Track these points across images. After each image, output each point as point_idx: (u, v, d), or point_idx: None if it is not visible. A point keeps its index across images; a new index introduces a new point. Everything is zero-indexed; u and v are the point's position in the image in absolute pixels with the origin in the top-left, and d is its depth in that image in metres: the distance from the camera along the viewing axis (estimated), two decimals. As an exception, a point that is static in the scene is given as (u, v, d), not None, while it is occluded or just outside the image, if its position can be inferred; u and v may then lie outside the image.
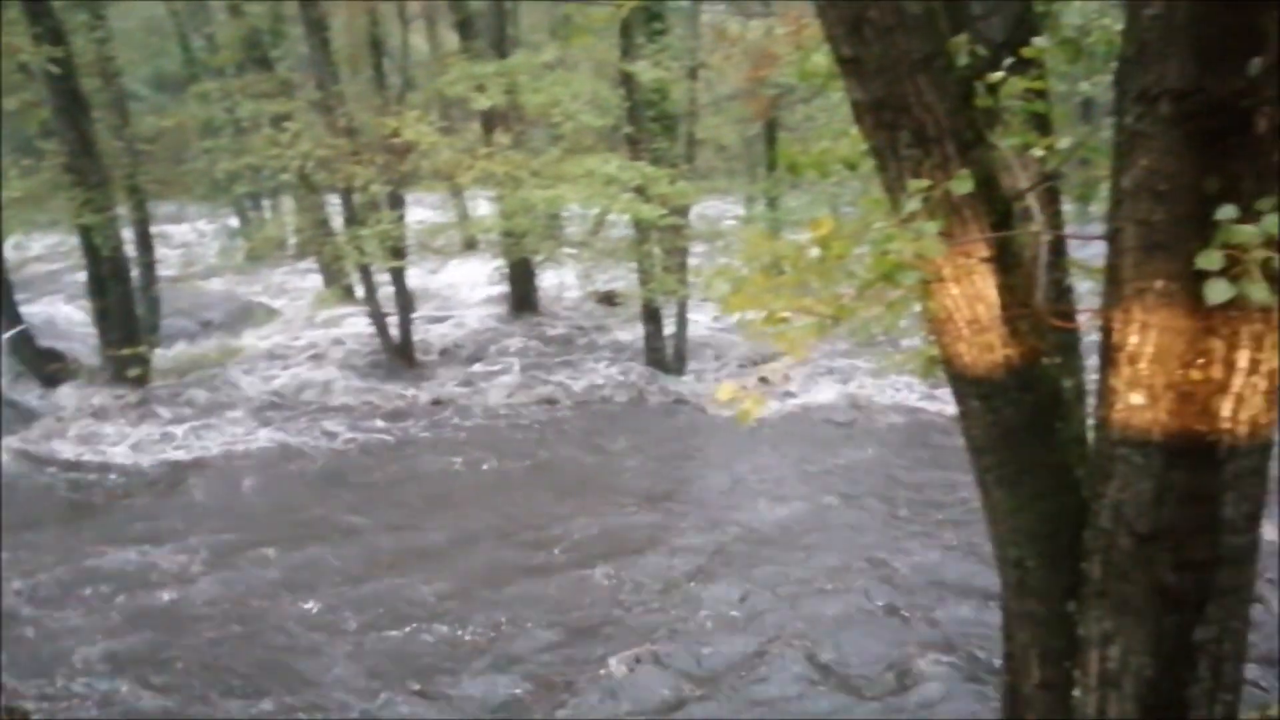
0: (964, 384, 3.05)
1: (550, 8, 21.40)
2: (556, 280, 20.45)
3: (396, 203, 15.60)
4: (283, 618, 8.27)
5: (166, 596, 8.64)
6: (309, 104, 15.37)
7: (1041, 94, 3.51)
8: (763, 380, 2.65)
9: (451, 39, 20.80)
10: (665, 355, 17.06)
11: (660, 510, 10.69)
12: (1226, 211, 1.95)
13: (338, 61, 16.63)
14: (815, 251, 2.47)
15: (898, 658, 7.61)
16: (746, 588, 8.79)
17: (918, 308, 2.77)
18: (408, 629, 8.11)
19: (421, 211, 21.21)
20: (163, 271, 18.69)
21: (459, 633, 8.05)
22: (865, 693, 7.21)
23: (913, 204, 2.49)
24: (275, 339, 18.20)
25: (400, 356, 16.54)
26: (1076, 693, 2.87)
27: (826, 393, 15.70)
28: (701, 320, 17.91)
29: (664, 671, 7.44)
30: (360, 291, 17.34)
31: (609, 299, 20.37)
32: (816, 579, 8.97)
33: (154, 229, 17.81)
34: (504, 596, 8.61)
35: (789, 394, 15.73)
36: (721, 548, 9.67)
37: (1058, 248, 4.02)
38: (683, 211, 15.91)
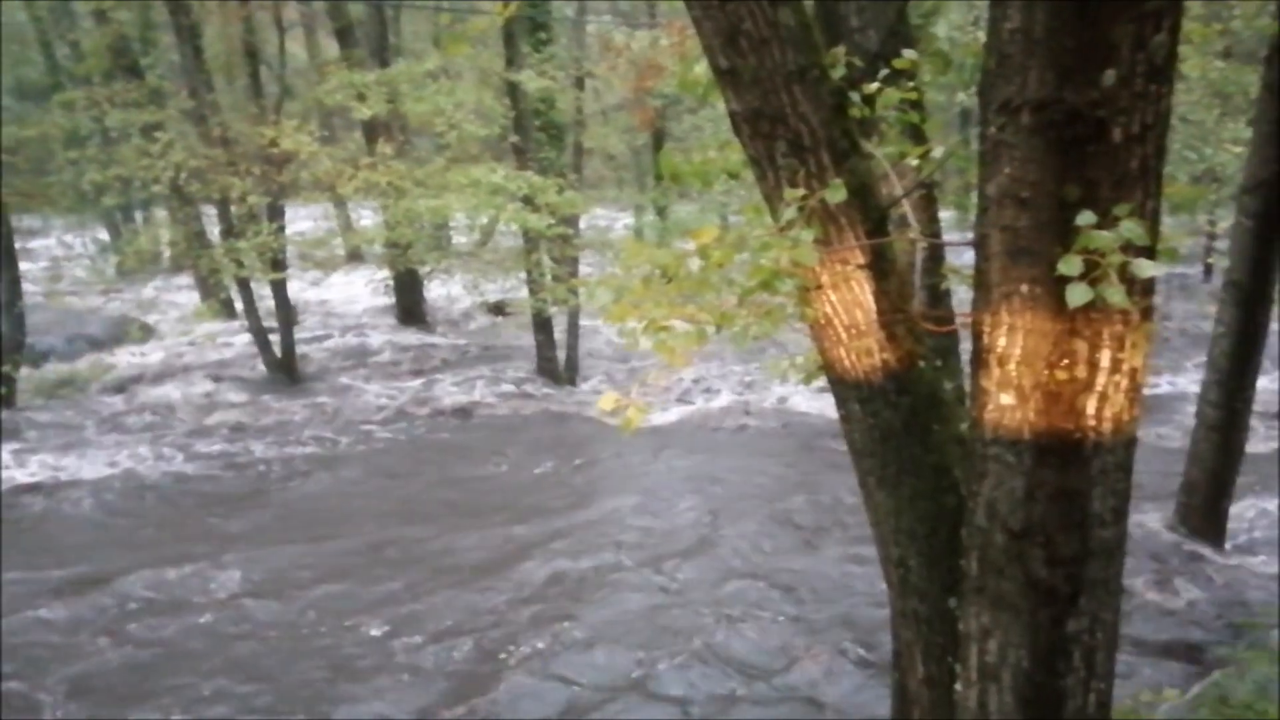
0: (844, 388, 3.11)
1: (434, 16, 21.19)
2: (444, 291, 20.23)
3: (275, 214, 15.24)
4: (145, 641, 7.98)
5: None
6: (181, 113, 14.91)
7: (916, 105, 3.60)
8: (643, 389, 2.65)
9: (331, 47, 20.45)
10: (557, 365, 17.02)
11: (551, 522, 10.64)
12: (1085, 218, 2.02)
13: (212, 69, 16.19)
14: (695, 260, 2.48)
15: (791, 658, 7.71)
16: (639, 595, 8.81)
17: (796, 314, 2.80)
18: (291, 650, 7.90)
19: (303, 223, 20.75)
20: (28, 288, 17.87)
21: (342, 655, 7.87)
22: (759, 693, 7.29)
23: (789, 213, 2.52)
24: (150, 356, 17.58)
25: (282, 371, 16.14)
26: (959, 687, 2.93)
27: (721, 399, 15.87)
28: (600, 328, 17.93)
29: (554, 684, 7.39)
30: (240, 305, 16.87)
31: (498, 309, 20.25)
32: (709, 584, 9.04)
33: (17, 243, 17.02)
34: (385, 618, 8.44)
35: (684, 400, 15.90)
36: (614, 556, 9.68)
37: (935, 254, 4.14)
38: (572, 221, 15.93)
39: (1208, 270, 21.83)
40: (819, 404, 13.76)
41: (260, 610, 8.51)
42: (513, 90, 15.32)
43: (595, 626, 8.22)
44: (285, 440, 13.47)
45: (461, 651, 7.84)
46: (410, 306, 19.87)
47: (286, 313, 16.15)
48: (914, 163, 3.31)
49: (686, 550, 9.79)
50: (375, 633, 8.15)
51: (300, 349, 16.84)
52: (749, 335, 2.46)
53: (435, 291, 20.50)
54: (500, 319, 20.15)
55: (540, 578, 9.14)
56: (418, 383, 16.38)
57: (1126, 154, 2.05)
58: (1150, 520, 10.38)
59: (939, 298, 4.29)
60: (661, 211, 22.69)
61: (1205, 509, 10.17)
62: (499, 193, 13.03)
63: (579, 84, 17.71)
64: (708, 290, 2.54)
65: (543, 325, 16.73)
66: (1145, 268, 2.01)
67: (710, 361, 17.15)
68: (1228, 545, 10.19)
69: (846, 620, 8.19)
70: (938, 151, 3.28)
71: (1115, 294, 2.00)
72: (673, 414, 15.28)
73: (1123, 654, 7.31)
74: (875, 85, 3.11)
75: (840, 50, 3.33)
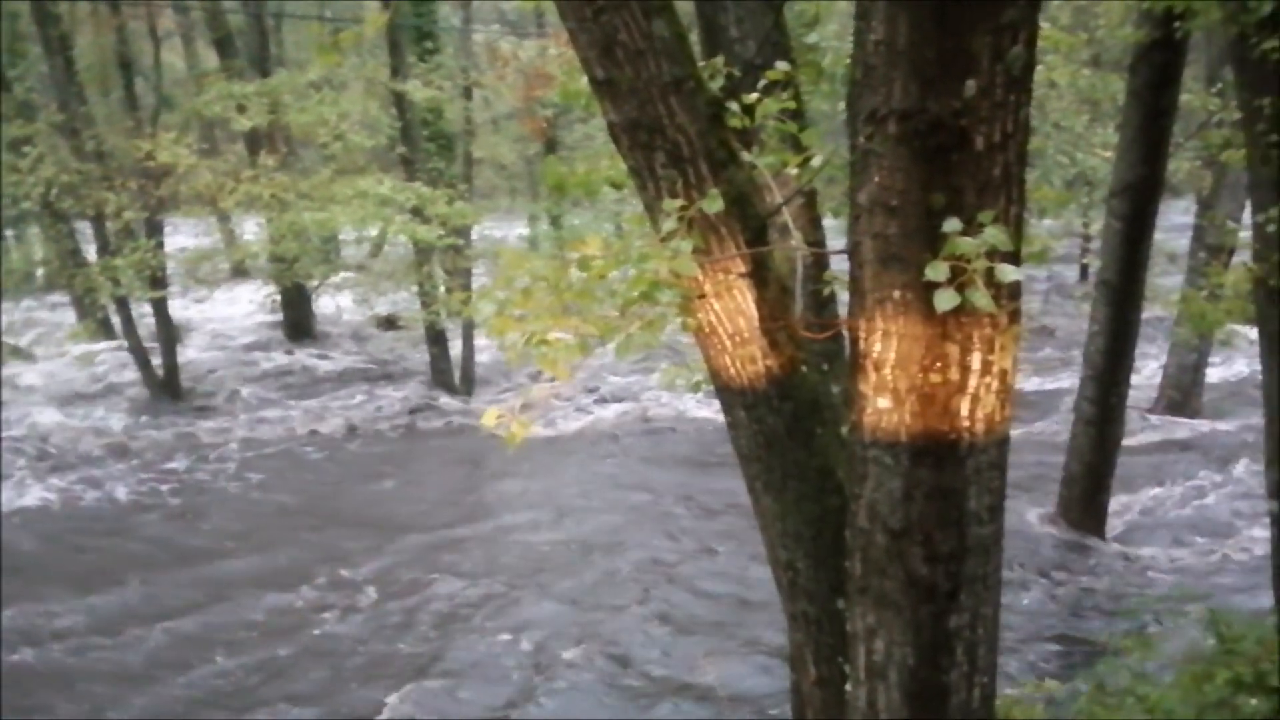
0: (729, 395, 3.13)
1: (318, 25, 20.76)
2: (334, 305, 19.84)
3: (154, 229, 14.73)
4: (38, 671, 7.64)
5: None
6: (52, 126, 14.30)
7: (796, 114, 3.66)
8: (528, 402, 2.62)
9: (210, 57, 19.88)
10: (452, 377, 16.84)
11: (447, 536, 10.52)
12: (951, 224, 2.07)
13: (84, 81, 15.58)
14: (577, 271, 2.47)
15: (695, 660, 7.76)
16: (540, 605, 8.77)
17: (680, 324, 2.81)
18: (178, 675, 7.64)
19: (184, 238, 20.11)
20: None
21: (234, 677, 7.65)
22: (662, 695, 7.32)
23: (669, 223, 2.53)
24: (24, 379, 16.81)
25: (165, 392, 15.60)
26: (849, 687, 2.97)
27: (620, 407, 15.90)
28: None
29: (452, 701, 7.31)
30: (119, 325, 16.26)
31: (390, 322, 19.94)
32: (612, 590, 9.04)
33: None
34: (280, 638, 8.24)
35: (584, 410, 15.88)
36: (513, 568, 9.61)
37: (819, 261, 4.21)
38: (464, 231, 15.78)
39: (1084, 271, 22.69)
40: (718, 410, 13.88)
41: (121, 642, 8.19)
42: (399, 100, 15.12)
43: (493, 639, 8.15)
44: (165, 464, 13.01)
45: (349, 670, 7.69)
46: (298, 322, 19.42)
47: (168, 331, 15.63)
48: (794, 172, 3.36)
49: (587, 559, 9.78)
50: (256, 658, 7.94)
51: (184, 368, 16.30)
52: (631, 346, 2.46)
53: (325, 306, 20.09)
54: (393, 333, 19.84)
55: (443, 591, 9.03)
56: (307, 400, 16.01)
57: (989, 162, 2.10)
58: (1033, 513, 10.74)
59: (823, 304, 4.36)
60: (556, 221, 22.64)
61: (1085, 501, 10.56)
62: (387, 204, 12.83)
63: (467, 93, 17.56)
64: (590, 301, 2.54)
65: (436, 338, 16.52)
66: (1009, 272, 2.07)
67: (609, 370, 17.17)
68: (1107, 535, 10.59)
69: (749, 621, 8.28)
70: (815, 161, 3.33)
71: (981, 298, 2.05)
72: (572, 424, 15.25)
73: (1006, 646, 7.56)
74: (754, 95, 3.15)
75: (719, 61, 3.37)
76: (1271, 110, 6.08)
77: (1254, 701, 3.66)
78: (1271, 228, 6.35)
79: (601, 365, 16.51)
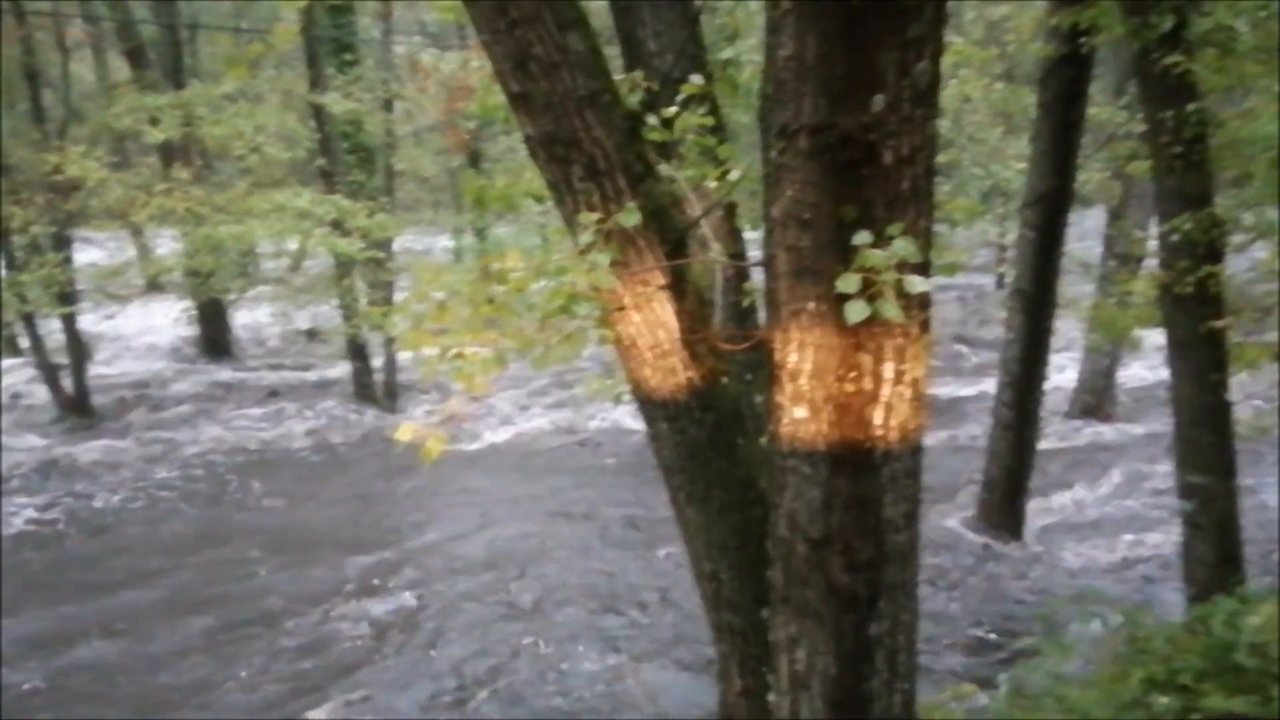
0: (651, 407, 3.14)
1: (233, 36, 20.41)
2: (252, 319, 19.47)
3: (62, 244, 14.30)
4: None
5: None
6: (-49, 139, 13.84)
7: (715, 128, 3.68)
8: (444, 417, 2.58)
9: (122, 68, 19.41)
10: (376, 391, 16.63)
11: (373, 553, 10.36)
12: (862, 237, 2.10)
13: (-14, 93, 15.11)
14: (495, 285, 2.46)
15: (620, 675, 7.74)
16: (463, 621, 8.68)
17: (599, 336, 2.82)
18: (96, 699, 7.42)
19: (95, 253, 19.56)
20: None
21: (139, 706, 7.44)
22: (589, 709, 7.28)
23: (586, 236, 2.53)
24: (-76, 400, 16.19)
25: (75, 412, 15.13)
26: (772, 697, 2.98)
27: (546, 419, 15.83)
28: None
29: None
30: (26, 342, 15.75)
31: (311, 336, 19.64)
32: (539, 604, 8.99)
33: None
34: (200, 661, 8.04)
35: (509, 423, 15.78)
36: (435, 584, 9.50)
37: (740, 272, 4.24)
38: (385, 244, 15.62)
39: (1000, 280, 23.22)
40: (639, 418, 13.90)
41: (32, 667, 7.93)
42: (318, 112, 14.92)
43: (420, 656, 8.04)
44: (76, 486, 12.61)
45: (261, 693, 7.53)
46: (215, 337, 19.01)
47: (78, 348, 15.19)
48: (714, 185, 3.38)
49: (513, 573, 9.71)
50: (162, 683, 7.73)
51: (95, 386, 15.84)
52: (550, 359, 2.45)
53: (242, 320, 19.70)
54: (315, 345, 19.54)
55: (360, 609, 8.88)
56: (223, 417, 15.67)
57: (898, 175, 2.14)
58: (954, 518, 10.93)
59: (745, 315, 4.40)
60: (480, 233, 22.50)
61: (1004, 505, 10.78)
62: (306, 217, 12.63)
63: (387, 106, 17.40)
64: (509, 314, 2.52)
65: (358, 351, 16.31)
66: (917, 284, 2.10)
67: (535, 382, 17.10)
68: (1026, 538, 10.82)
69: (678, 632, 8.29)
70: (733, 174, 3.35)
71: (891, 309, 2.08)
72: (498, 437, 15.15)
73: (928, 651, 7.67)
74: (673, 109, 3.17)
75: (638, 74, 3.38)
76: (1174, 122, 6.29)
77: (1165, 700, 3.75)
78: (1176, 237, 6.57)
79: (529, 377, 16.43)
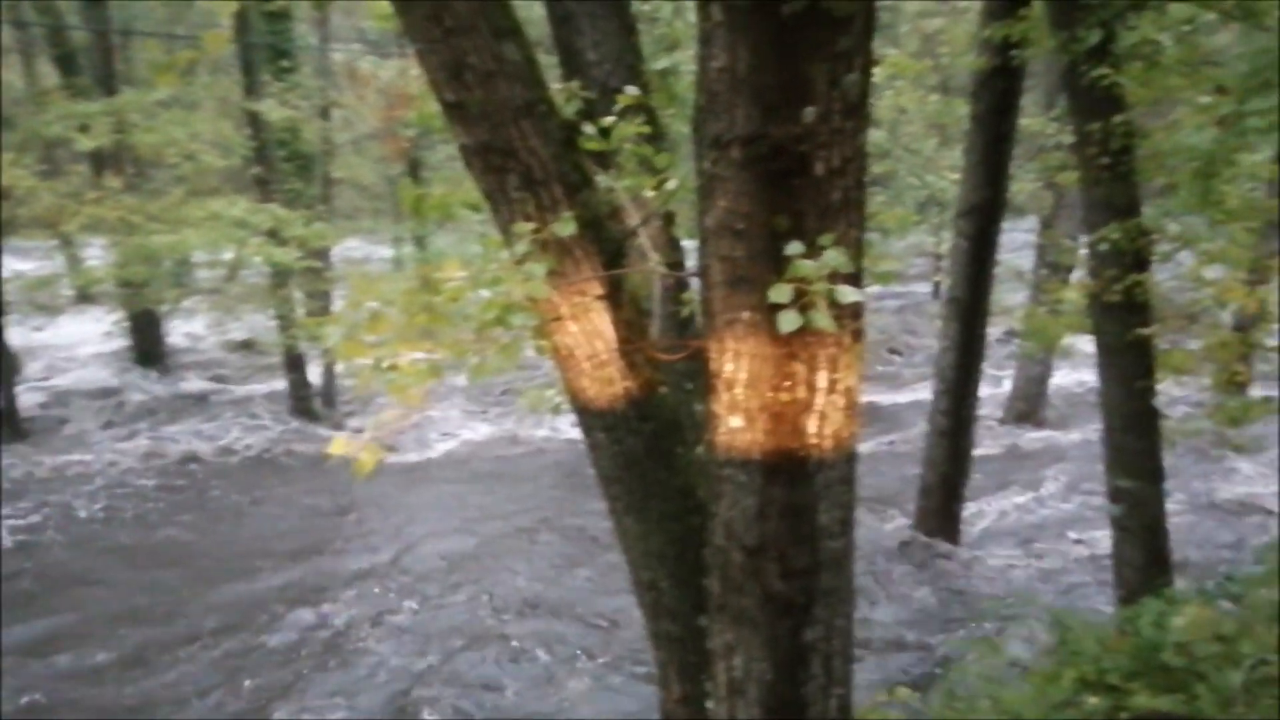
0: (589, 417, 3.14)
1: (164, 43, 20.04)
2: (187, 330, 19.11)
3: (-11, 254, 13.92)
4: None
5: None
6: (-127, 145, 13.42)
7: (654, 137, 3.69)
8: (378, 430, 2.55)
9: (52, 74, 18.96)
10: (312, 403, 16.40)
11: (311, 567, 10.22)
12: (794, 247, 2.12)
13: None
14: (429, 295, 2.44)
15: (562, 684, 7.71)
16: (403, 636, 8.59)
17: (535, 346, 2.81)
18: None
19: (23, 262, 19.06)
20: None
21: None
22: (533, 716, 7.25)
23: (522, 246, 2.52)
24: None
25: (4, 426, 14.72)
26: (710, 704, 2.99)
27: (487, 430, 15.74)
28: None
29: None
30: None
31: (248, 348, 19.34)
32: (480, 615, 8.93)
33: None
34: (138, 675, 7.87)
35: (449, 434, 15.65)
36: (373, 598, 9.39)
37: (679, 282, 4.26)
38: (323, 254, 15.44)
39: (937, 289, 23.57)
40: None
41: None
42: (254, 120, 14.72)
43: (362, 668, 7.95)
44: (15, 501, 12.26)
45: (201, 712, 7.39)
46: (149, 348, 18.61)
47: (6, 361, 14.78)
48: (651, 194, 3.39)
49: (452, 586, 9.63)
50: (104, 700, 7.55)
51: (24, 399, 15.43)
52: (485, 370, 2.44)
53: (177, 331, 19.33)
54: (251, 356, 19.24)
55: (295, 626, 8.75)
56: (157, 430, 15.35)
57: (829, 186, 2.16)
58: (892, 524, 11.06)
59: (684, 324, 4.41)
60: (420, 242, 22.31)
61: (941, 510, 10.93)
62: (242, 226, 12.44)
63: (325, 113, 17.21)
64: (444, 324, 2.50)
65: (295, 362, 16.09)
66: (847, 294, 2.13)
67: (480, 391, 17.00)
68: (962, 542, 10.98)
69: (618, 641, 8.28)
70: (671, 183, 3.37)
71: (822, 319, 2.11)
72: (442, 447, 15.03)
73: (866, 656, 7.76)
74: (611, 119, 3.17)
75: (575, 84, 3.39)
76: (1101, 134, 6.44)
77: (1094, 700, 3.83)
78: (1104, 246, 6.72)
79: (475, 386, 16.32)
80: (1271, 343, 9.79)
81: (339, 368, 16.19)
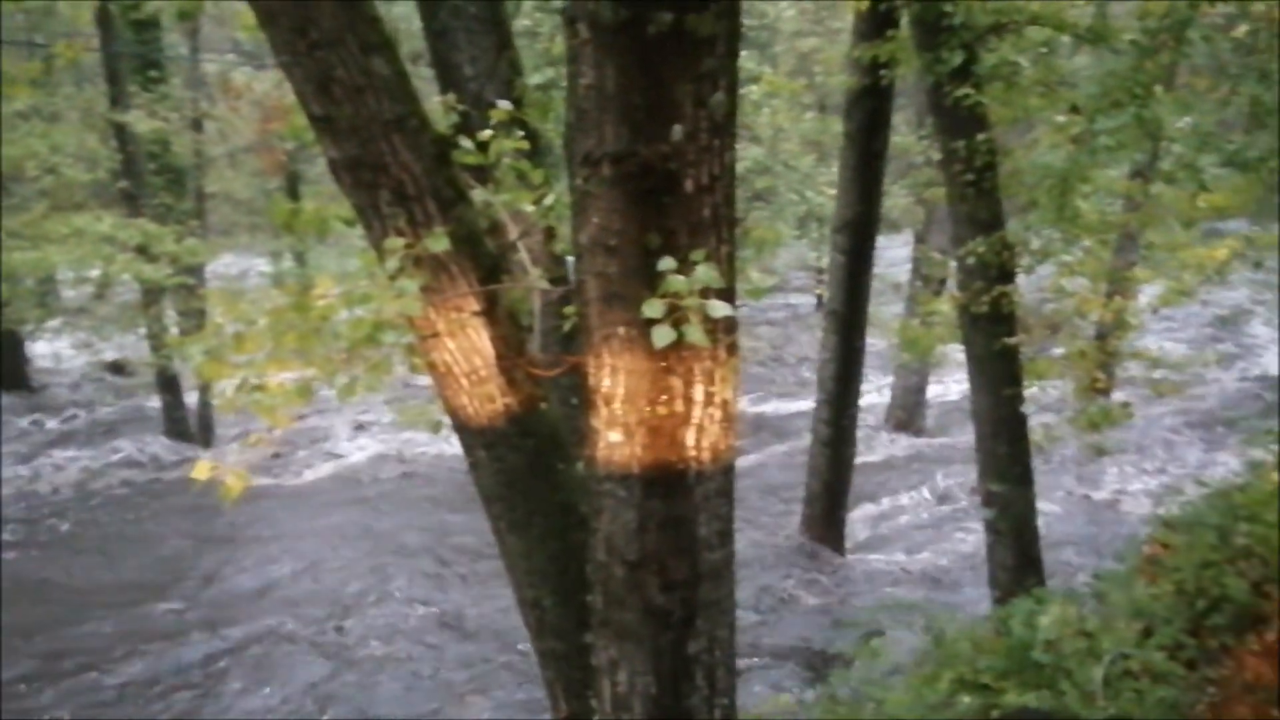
0: (469, 434, 3.11)
1: (28, 52, 19.20)
2: (52, 351, 18.29)
3: None
4: None
5: None
6: None
7: (533, 152, 3.69)
8: (244, 452, 2.49)
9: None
10: (188, 425, 15.86)
11: (184, 597, 9.86)
12: (666, 263, 2.15)
13: None
14: (299, 313, 2.39)
15: (455, 706, 7.61)
16: (289, 665, 8.36)
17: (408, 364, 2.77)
18: None
19: None
20: None
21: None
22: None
23: (393, 262, 2.49)
24: None
25: None
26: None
27: (374, 448, 15.46)
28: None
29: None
30: None
31: (118, 368, 18.62)
32: (370, 639, 8.76)
33: None
34: (8, 712, 7.48)
35: (333, 454, 15.30)
36: (257, 628, 9.11)
37: (564, 297, 4.25)
38: (196, 270, 14.97)
39: (819, 301, 24.07)
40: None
41: None
42: (120, 132, 14.20)
43: (242, 699, 7.70)
44: None
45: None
46: (10, 371, 17.73)
47: None
48: (530, 209, 3.38)
49: (338, 610, 9.41)
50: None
51: None
52: (355, 389, 2.39)
53: (42, 352, 18.49)
54: (122, 378, 18.52)
55: (174, 659, 8.43)
56: (23, 459, 14.62)
57: (699, 203, 2.20)
58: (779, 533, 11.23)
59: (568, 338, 4.41)
60: (300, 257, 21.83)
61: (825, 518, 11.16)
62: (109, 243, 11.95)
63: (197, 125, 16.72)
64: (314, 343, 2.45)
65: (169, 383, 15.53)
66: (718, 309, 2.16)
67: (360, 410, 16.67)
68: (846, 549, 11.22)
69: (510, 660, 8.21)
70: (549, 199, 3.37)
71: (695, 333, 2.13)
72: (322, 469, 14.69)
73: (754, 665, 7.86)
74: (488, 133, 3.16)
75: (450, 98, 3.36)
76: (966, 152, 6.69)
77: (967, 699, 3.95)
78: (971, 259, 6.98)
79: (356, 404, 16.00)
80: (1129, 350, 10.29)
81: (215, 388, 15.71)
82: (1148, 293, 11.90)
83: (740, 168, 16.53)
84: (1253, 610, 4.29)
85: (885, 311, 16.63)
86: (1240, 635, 4.23)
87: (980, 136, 6.64)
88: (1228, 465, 10.76)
